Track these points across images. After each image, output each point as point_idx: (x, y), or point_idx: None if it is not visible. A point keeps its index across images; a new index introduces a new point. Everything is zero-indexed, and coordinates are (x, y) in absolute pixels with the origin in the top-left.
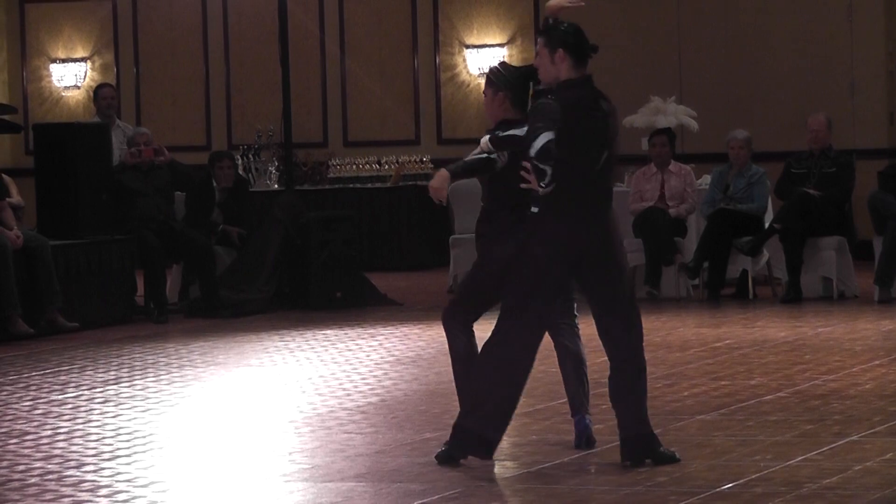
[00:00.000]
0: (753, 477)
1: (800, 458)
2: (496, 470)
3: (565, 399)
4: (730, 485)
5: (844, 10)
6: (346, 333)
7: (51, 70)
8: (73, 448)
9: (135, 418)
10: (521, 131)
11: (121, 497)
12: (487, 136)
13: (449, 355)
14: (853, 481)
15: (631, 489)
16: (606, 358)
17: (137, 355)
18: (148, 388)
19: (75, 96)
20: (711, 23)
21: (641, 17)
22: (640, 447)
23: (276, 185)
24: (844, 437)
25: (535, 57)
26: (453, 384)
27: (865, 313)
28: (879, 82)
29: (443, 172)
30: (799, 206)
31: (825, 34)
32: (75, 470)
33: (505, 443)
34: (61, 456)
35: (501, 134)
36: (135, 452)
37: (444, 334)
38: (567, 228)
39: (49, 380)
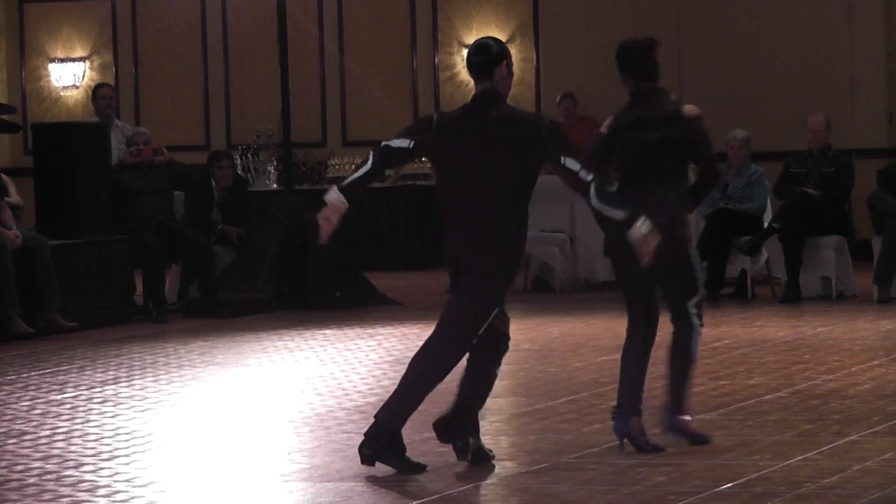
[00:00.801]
0: (752, 477)
1: (799, 458)
2: (495, 470)
3: (565, 398)
4: (729, 485)
5: (844, 10)
6: (345, 333)
7: (49, 70)
8: (72, 448)
9: (133, 418)
10: None
11: (119, 497)
12: None
13: None
14: (852, 481)
15: (630, 489)
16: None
17: (136, 355)
18: (147, 387)
19: (74, 96)
20: (711, 23)
21: (641, 18)
22: None
23: (275, 185)
24: (843, 437)
25: None
26: (452, 383)
27: (864, 313)
28: (879, 82)
29: None
30: (798, 205)
31: (825, 34)
32: (74, 470)
33: (504, 442)
34: (60, 456)
35: None
36: (133, 452)
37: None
38: None
39: (48, 379)
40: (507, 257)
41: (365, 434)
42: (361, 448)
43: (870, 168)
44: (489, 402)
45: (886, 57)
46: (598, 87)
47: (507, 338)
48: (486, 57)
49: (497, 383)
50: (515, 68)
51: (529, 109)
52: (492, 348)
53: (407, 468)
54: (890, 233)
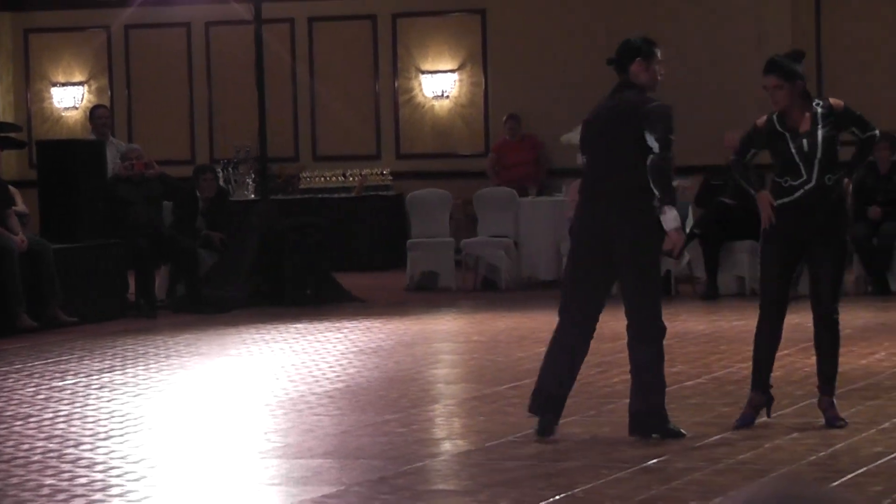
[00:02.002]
0: (676, 454)
1: (716, 437)
2: (446, 447)
3: (511, 384)
4: (655, 460)
5: (754, 37)
6: (315, 327)
7: (52, 93)
8: (72, 429)
9: (127, 402)
10: None
11: (115, 472)
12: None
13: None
14: (764, 457)
15: (567, 464)
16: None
17: (129, 346)
18: (139, 375)
19: (74, 116)
20: None
21: (577, 49)
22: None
23: (253, 195)
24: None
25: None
26: (411, 371)
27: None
28: None
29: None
30: (716, 213)
31: (738, 59)
32: (74, 448)
33: (456, 423)
34: (61, 436)
35: None
36: (127, 432)
37: (403, 327)
38: None
39: (51, 368)
40: None
41: (634, 431)
42: (642, 435)
43: None
44: (442, 386)
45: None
46: (540, 108)
47: None
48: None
49: (449, 371)
50: (466, 93)
51: (478, 128)
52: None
53: (675, 434)
54: None
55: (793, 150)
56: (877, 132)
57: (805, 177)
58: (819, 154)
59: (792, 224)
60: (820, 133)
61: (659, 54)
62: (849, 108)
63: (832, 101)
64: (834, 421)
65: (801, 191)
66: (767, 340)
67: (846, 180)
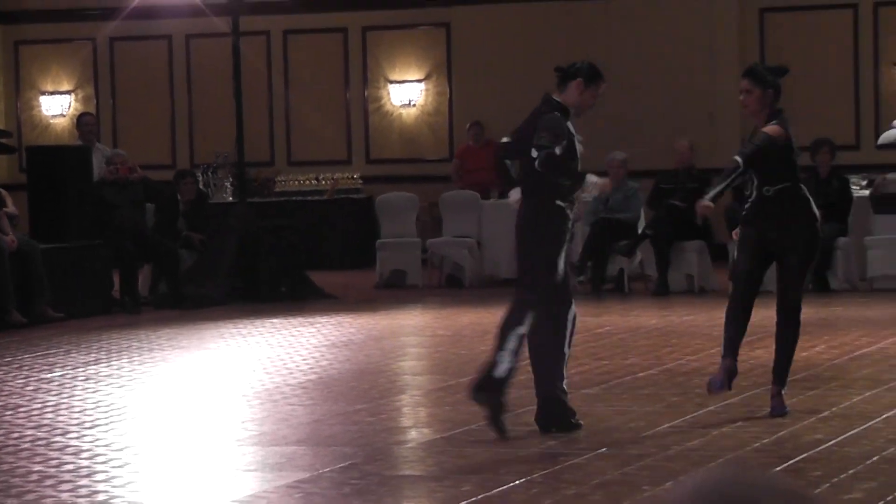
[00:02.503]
0: (628, 441)
1: (667, 426)
2: (413, 435)
3: (473, 376)
4: (609, 448)
5: (705, 49)
6: (289, 322)
7: (41, 101)
8: (60, 418)
9: (111, 393)
10: None
11: (100, 459)
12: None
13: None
14: (712, 444)
15: (526, 451)
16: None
17: (114, 340)
18: (123, 367)
19: (61, 123)
20: (595, 62)
21: (537, 60)
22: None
23: (231, 198)
24: (704, 408)
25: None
26: (380, 363)
27: (722, 305)
28: (734, 111)
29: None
30: (667, 215)
31: (689, 70)
32: (61, 436)
33: (422, 412)
34: (49, 425)
35: None
36: (111, 421)
37: (373, 322)
38: None
39: (39, 361)
40: None
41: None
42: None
43: None
44: (409, 378)
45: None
46: (502, 115)
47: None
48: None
49: (416, 363)
50: (431, 101)
51: (443, 135)
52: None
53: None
54: None
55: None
56: (737, 158)
57: (748, 191)
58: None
59: (759, 225)
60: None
61: (601, 87)
62: (758, 131)
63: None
64: (779, 410)
65: (748, 203)
66: (740, 315)
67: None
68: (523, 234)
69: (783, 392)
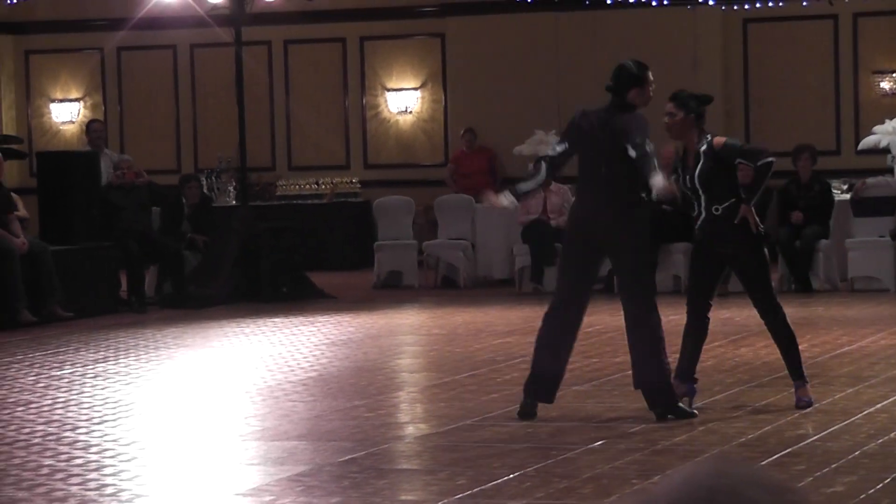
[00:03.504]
0: (618, 436)
1: (654, 421)
2: (409, 430)
3: (468, 373)
4: (600, 442)
5: (690, 61)
6: (290, 321)
7: (50, 108)
8: (69, 414)
9: (119, 390)
10: None
11: (108, 454)
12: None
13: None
14: (698, 439)
15: (519, 445)
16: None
17: (121, 339)
18: (130, 365)
19: (71, 129)
20: (583, 71)
21: (529, 69)
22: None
23: (233, 202)
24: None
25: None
26: (377, 361)
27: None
28: (718, 121)
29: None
30: (655, 218)
31: (674, 81)
32: (71, 432)
33: (418, 409)
34: (59, 420)
35: None
36: (119, 417)
37: (370, 321)
38: None
39: (49, 359)
40: None
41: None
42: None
43: None
44: (406, 375)
45: (724, 100)
46: (494, 122)
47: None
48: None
49: (412, 361)
50: (427, 109)
51: (438, 141)
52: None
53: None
54: None
55: (687, 184)
56: (772, 160)
57: (696, 210)
58: (699, 188)
59: (707, 245)
60: (698, 169)
61: (650, 76)
62: (730, 144)
63: (715, 139)
64: (798, 401)
65: (699, 221)
66: (690, 334)
67: (744, 206)
68: (614, 234)
69: (805, 385)
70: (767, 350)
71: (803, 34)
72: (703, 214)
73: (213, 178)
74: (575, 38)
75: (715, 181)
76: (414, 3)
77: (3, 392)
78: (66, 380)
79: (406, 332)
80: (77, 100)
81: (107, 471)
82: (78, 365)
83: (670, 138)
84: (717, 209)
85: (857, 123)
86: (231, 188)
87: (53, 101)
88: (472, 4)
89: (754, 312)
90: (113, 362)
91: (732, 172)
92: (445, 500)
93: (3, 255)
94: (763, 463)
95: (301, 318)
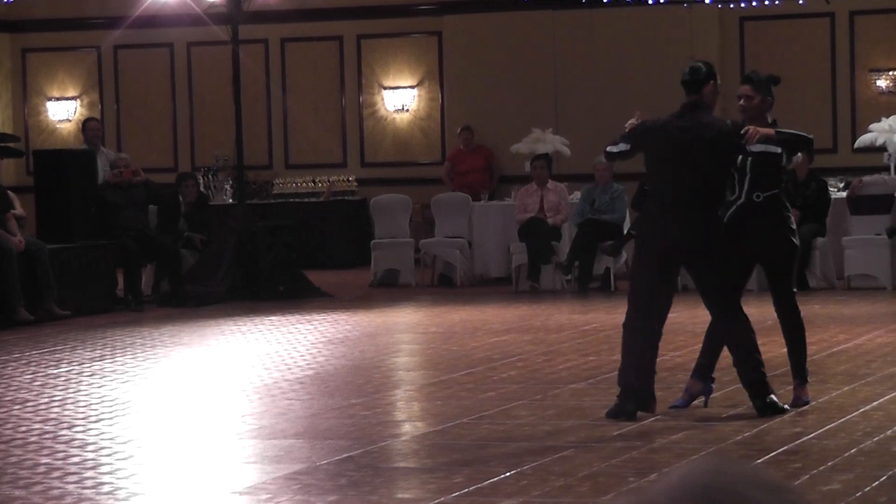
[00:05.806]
0: (614, 434)
1: (651, 419)
2: (406, 428)
3: (464, 371)
4: (596, 441)
5: (687, 59)
6: (287, 319)
7: (47, 107)
8: (66, 412)
9: (116, 388)
10: None
11: (105, 451)
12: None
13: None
14: (695, 437)
15: (515, 444)
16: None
17: (118, 337)
18: (127, 363)
19: (67, 128)
20: (580, 69)
21: (526, 67)
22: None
23: (230, 200)
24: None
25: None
26: (374, 359)
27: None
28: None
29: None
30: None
31: (672, 79)
32: (67, 430)
33: (415, 406)
34: (56, 419)
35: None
36: (116, 415)
37: (367, 319)
38: None
39: (46, 357)
40: None
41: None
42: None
43: None
44: (402, 373)
45: (721, 98)
46: (491, 120)
47: None
48: (696, 76)
49: (409, 359)
50: (424, 107)
51: (435, 139)
52: None
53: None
54: None
55: (737, 164)
56: (812, 138)
57: (735, 193)
58: (749, 171)
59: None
60: (756, 151)
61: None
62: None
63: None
64: (796, 400)
65: (733, 207)
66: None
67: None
68: (698, 250)
69: (805, 385)
70: (765, 348)
71: (800, 32)
72: (742, 200)
73: (210, 176)
74: (572, 36)
75: (767, 168)
76: (411, 2)
77: (0, 390)
78: (63, 378)
79: (403, 330)
80: (74, 98)
81: (103, 469)
82: (75, 363)
83: (743, 118)
84: (758, 196)
85: (854, 121)
86: (228, 186)
87: (50, 99)
88: (469, 2)
89: (753, 311)
90: (110, 360)
91: (780, 165)
92: (442, 498)
93: (0, 254)
94: (760, 461)
95: (298, 317)
